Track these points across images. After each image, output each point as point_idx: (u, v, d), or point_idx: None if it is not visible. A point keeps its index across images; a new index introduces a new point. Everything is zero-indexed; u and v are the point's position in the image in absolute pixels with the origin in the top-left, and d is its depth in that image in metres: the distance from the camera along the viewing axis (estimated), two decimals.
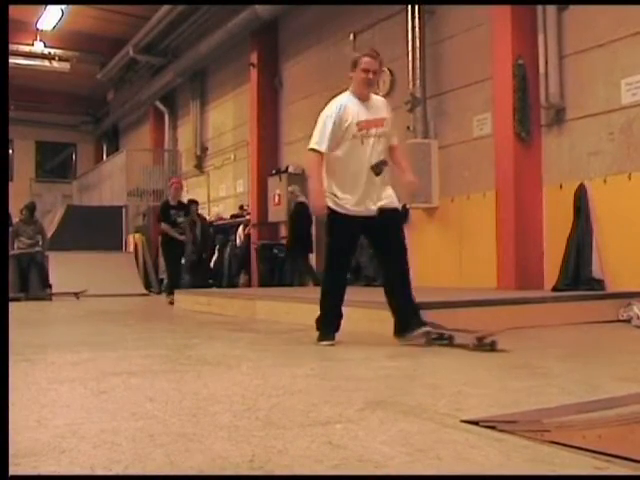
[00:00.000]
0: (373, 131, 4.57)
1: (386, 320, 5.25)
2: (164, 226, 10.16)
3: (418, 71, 9.22)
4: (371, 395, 2.79)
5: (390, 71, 10.11)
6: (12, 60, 15.61)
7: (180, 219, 10.20)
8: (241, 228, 13.40)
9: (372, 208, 4.58)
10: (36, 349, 4.51)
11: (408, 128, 9.47)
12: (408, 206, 9.50)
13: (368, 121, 4.58)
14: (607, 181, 7.09)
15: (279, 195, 12.24)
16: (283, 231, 12.63)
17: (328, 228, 4.72)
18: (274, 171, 12.58)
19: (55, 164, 24.43)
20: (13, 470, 1.75)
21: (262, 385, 3.11)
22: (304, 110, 12.27)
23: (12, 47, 15.52)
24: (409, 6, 9.35)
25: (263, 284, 11.80)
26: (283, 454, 1.92)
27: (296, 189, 11.51)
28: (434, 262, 9.22)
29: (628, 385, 3.03)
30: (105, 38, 17.41)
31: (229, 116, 15.23)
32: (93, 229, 15.13)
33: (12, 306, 7.36)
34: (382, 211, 4.60)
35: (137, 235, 16.25)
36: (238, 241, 13.35)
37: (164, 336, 5.63)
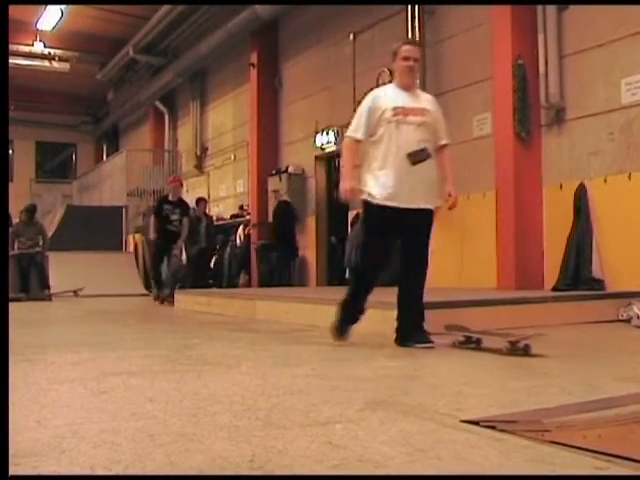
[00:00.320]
0: (411, 119, 4.42)
1: (386, 320, 5.26)
2: (152, 219, 10.29)
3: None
4: (371, 395, 2.79)
5: (390, 71, 10.11)
6: (12, 60, 15.62)
7: (174, 216, 10.04)
8: (241, 228, 13.40)
9: (408, 200, 4.39)
10: (36, 349, 4.51)
11: None
12: None
13: (406, 108, 4.43)
14: (607, 181, 7.09)
15: None
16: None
17: (363, 220, 4.67)
18: (274, 171, 12.58)
19: (55, 164, 24.43)
20: (13, 470, 1.75)
21: (262, 385, 3.11)
22: (304, 110, 12.28)
23: (12, 47, 15.53)
24: (409, 6, 9.35)
25: (263, 284, 11.81)
26: (283, 454, 1.91)
27: (281, 189, 11.65)
28: (434, 262, 9.13)
29: (628, 385, 3.03)
30: (105, 38, 17.42)
31: (229, 116, 15.23)
32: (93, 229, 15.13)
33: (12, 306, 7.36)
34: (417, 209, 4.44)
35: (137, 235, 16.25)
36: (238, 241, 13.35)
37: (164, 336, 5.63)
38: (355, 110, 11.52)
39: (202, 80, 16.30)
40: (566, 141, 7.56)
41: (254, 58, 13.23)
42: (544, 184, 7.74)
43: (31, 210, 11.92)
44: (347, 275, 10.50)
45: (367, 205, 4.52)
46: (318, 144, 11.68)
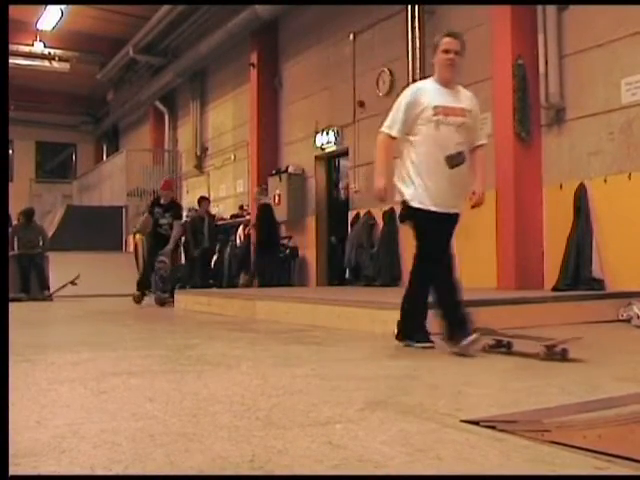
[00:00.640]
0: (452, 119, 4.23)
1: (386, 320, 5.26)
2: (143, 218, 10.31)
3: (418, 71, 9.22)
4: (371, 395, 2.79)
5: (390, 71, 10.12)
6: (12, 60, 15.62)
7: (163, 220, 9.85)
8: (241, 228, 13.40)
9: (443, 205, 4.25)
10: (36, 349, 4.51)
11: None
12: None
13: (447, 107, 4.24)
14: (607, 181, 7.09)
15: (279, 195, 12.25)
16: (283, 231, 12.63)
17: (414, 227, 4.41)
18: (274, 171, 12.58)
19: (55, 164, 24.44)
20: (13, 470, 1.75)
21: (262, 385, 3.11)
22: (304, 110, 12.28)
23: (12, 47, 15.53)
24: (409, 6, 9.36)
25: (263, 284, 11.81)
26: (283, 454, 1.92)
27: (261, 191, 11.70)
28: None
29: (628, 385, 3.03)
30: (105, 38, 17.42)
31: (229, 116, 15.23)
32: (93, 229, 15.13)
33: (12, 306, 7.36)
34: (449, 214, 4.32)
35: (137, 235, 16.24)
36: (238, 241, 13.35)
37: (164, 336, 5.63)
38: (355, 110, 11.55)
39: (202, 80, 16.30)
40: (566, 141, 7.56)
41: (254, 58, 13.23)
42: (544, 184, 7.74)
43: (29, 214, 11.90)
44: (347, 275, 10.52)
45: (415, 212, 4.32)
46: (318, 144, 11.69)
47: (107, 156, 21.62)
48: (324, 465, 1.81)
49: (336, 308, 6.01)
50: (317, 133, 11.66)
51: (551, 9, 7.59)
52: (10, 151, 20.92)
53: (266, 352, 4.44)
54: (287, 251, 12.03)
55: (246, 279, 12.97)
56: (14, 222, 11.78)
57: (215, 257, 12.99)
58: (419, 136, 4.23)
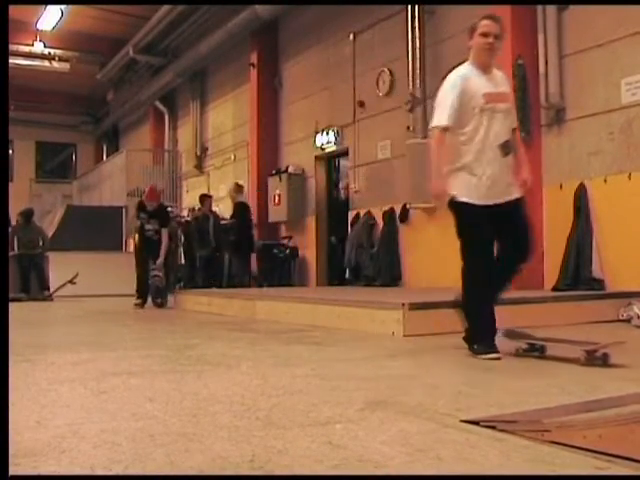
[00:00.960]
0: (500, 106, 4.04)
1: (386, 320, 5.26)
2: (135, 223, 9.90)
3: (418, 71, 9.23)
4: (371, 395, 2.79)
5: (390, 71, 10.12)
6: (12, 60, 15.62)
7: (148, 226, 9.35)
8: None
9: (502, 195, 4.03)
10: (36, 349, 4.51)
11: (408, 128, 9.48)
12: (408, 206, 9.52)
13: (495, 94, 4.03)
14: (607, 181, 7.09)
15: (279, 195, 12.25)
16: (283, 231, 12.64)
17: (458, 223, 4.11)
18: (274, 171, 12.58)
19: (55, 164, 24.44)
20: (13, 470, 1.75)
21: (262, 385, 3.11)
22: (304, 110, 12.28)
23: (12, 47, 15.52)
24: (409, 6, 9.36)
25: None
26: (283, 454, 1.91)
27: (236, 188, 11.71)
28: (434, 262, 9.22)
29: (628, 385, 3.03)
30: (105, 38, 17.42)
31: (229, 116, 15.24)
32: (93, 229, 15.11)
33: (13, 306, 7.36)
34: (508, 202, 4.08)
35: (137, 235, 16.23)
36: None
37: (164, 336, 5.63)
38: (355, 110, 11.52)
39: (202, 80, 16.30)
40: (566, 141, 7.56)
41: (254, 58, 13.23)
42: (544, 184, 7.74)
43: (28, 215, 11.89)
44: (347, 275, 10.53)
45: (461, 206, 4.04)
46: (318, 144, 11.69)
47: (107, 156, 21.61)
48: (324, 465, 1.81)
49: (336, 308, 6.01)
50: (317, 133, 11.67)
51: (551, 9, 7.59)
52: (10, 151, 20.92)
53: (266, 352, 4.44)
54: (287, 251, 12.03)
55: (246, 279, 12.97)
56: (14, 222, 11.77)
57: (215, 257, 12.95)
58: (470, 126, 3.99)
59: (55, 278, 11.75)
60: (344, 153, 11.32)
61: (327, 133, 11.44)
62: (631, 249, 6.80)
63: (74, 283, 11.45)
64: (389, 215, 9.97)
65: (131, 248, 15.85)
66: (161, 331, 6.19)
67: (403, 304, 5.16)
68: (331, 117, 11.43)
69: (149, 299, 9.29)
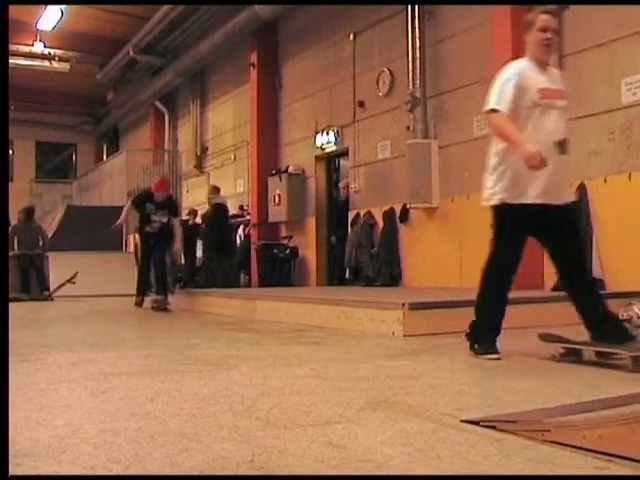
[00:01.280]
0: (556, 102, 3.90)
1: (386, 320, 5.26)
2: (124, 210, 9.35)
3: (418, 71, 9.23)
4: (371, 395, 2.79)
5: (390, 71, 10.12)
6: (12, 60, 15.62)
7: (155, 217, 8.79)
8: (241, 228, 13.40)
9: (557, 195, 3.87)
10: (36, 349, 4.51)
11: (408, 128, 9.48)
12: (408, 206, 9.52)
13: (551, 90, 3.89)
14: (607, 181, 7.09)
15: (279, 195, 12.25)
16: (283, 231, 12.64)
17: (496, 223, 4.07)
18: (274, 171, 12.58)
19: (55, 164, 24.44)
20: (13, 470, 1.75)
21: (262, 385, 3.11)
22: (304, 110, 12.28)
23: (12, 47, 15.53)
24: (409, 6, 9.35)
25: (263, 284, 11.82)
26: (283, 454, 1.91)
27: (213, 190, 11.66)
28: (434, 262, 9.22)
29: (628, 385, 3.03)
30: (105, 38, 17.42)
31: (229, 116, 15.24)
32: (93, 229, 15.10)
33: (13, 306, 7.35)
34: (563, 205, 3.92)
35: (137, 235, 16.23)
36: (238, 241, 13.34)
37: (164, 336, 5.63)
38: (355, 110, 11.53)
39: (202, 80, 16.30)
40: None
41: (254, 58, 13.23)
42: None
43: (29, 211, 11.89)
44: (347, 275, 10.53)
45: (504, 206, 3.95)
46: (318, 144, 11.69)
47: (107, 156, 21.62)
48: (324, 465, 1.81)
49: (336, 308, 6.00)
50: (317, 133, 11.67)
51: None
52: (10, 151, 20.93)
53: (266, 352, 4.43)
54: (287, 251, 12.03)
55: (246, 279, 12.98)
56: (14, 222, 11.77)
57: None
58: (524, 121, 3.84)
59: (55, 278, 11.75)
60: (344, 153, 11.32)
61: (327, 133, 11.44)
62: (631, 249, 6.80)
63: (73, 283, 11.44)
64: (389, 215, 9.97)
65: (131, 248, 15.89)
66: (161, 331, 6.19)
67: (403, 304, 5.16)
68: (331, 117, 11.44)
69: (147, 298, 8.99)
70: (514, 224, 3.96)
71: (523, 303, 6.01)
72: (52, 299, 11.30)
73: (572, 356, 3.87)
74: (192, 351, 4.47)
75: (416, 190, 9.10)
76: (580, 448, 1.91)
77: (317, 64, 11.94)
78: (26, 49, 17.23)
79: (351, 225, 10.71)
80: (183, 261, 12.88)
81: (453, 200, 8.96)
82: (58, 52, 17.80)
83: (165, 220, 8.86)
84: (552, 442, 1.98)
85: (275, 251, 12.04)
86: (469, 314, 5.50)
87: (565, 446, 1.94)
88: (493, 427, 2.17)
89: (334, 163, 12.07)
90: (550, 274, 7.57)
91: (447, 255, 9.04)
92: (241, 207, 14.14)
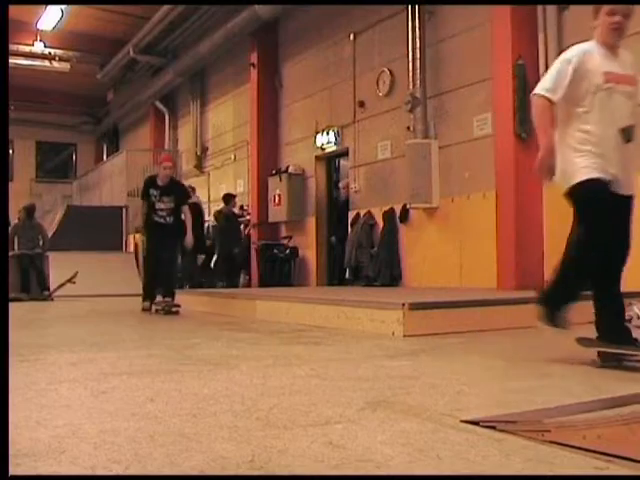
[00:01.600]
0: (622, 88, 3.68)
1: (386, 320, 5.26)
2: (143, 205, 8.07)
3: (418, 71, 9.23)
4: (371, 395, 2.79)
5: (390, 71, 10.12)
6: (12, 60, 15.63)
7: (160, 205, 7.79)
8: (241, 228, 13.40)
9: (621, 185, 3.64)
10: (36, 349, 4.51)
11: (408, 128, 9.48)
12: (408, 206, 9.52)
13: (617, 74, 3.69)
14: None
15: (279, 195, 12.26)
16: (284, 231, 12.64)
17: (583, 204, 3.66)
18: (274, 171, 12.59)
19: (55, 164, 24.45)
20: (13, 470, 1.75)
21: (262, 385, 3.11)
22: (304, 110, 12.29)
23: (12, 47, 15.54)
24: (409, 6, 9.36)
25: (263, 284, 11.82)
26: (283, 454, 1.92)
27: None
28: (434, 262, 9.22)
29: (628, 385, 3.03)
30: (105, 38, 17.42)
31: (229, 116, 15.24)
32: (93, 229, 15.13)
33: (13, 306, 7.36)
34: (627, 196, 3.72)
35: (137, 235, 16.24)
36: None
37: (164, 336, 5.63)
38: (355, 110, 11.53)
39: (202, 80, 16.31)
40: None
41: (254, 58, 13.24)
42: (544, 184, 7.73)
43: (29, 210, 11.90)
44: (347, 275, 10.53)
45: (587, 184, 3.60)
46: (318, 144, 11.69)
47: (107, 156, 21.63)
48: (324, 465, 1.82)
49: (336, 308, 6.01)
50: (317, 133, 11.67)
51: (551, 9, 7.59)
52: (10, 151, 20.93)
53: (266, 352, 4.43)
54: (287, 251, 12.04)
55: (246, 279, 12.98)
56: (14, 221, 11.78)
57: (215, 257, 12.97)
58: (587, 106, 3.65)
59: (55, 278, 11.76)
60: (344, 153, 11.32)
61: (327, 133, 11.45)
62: (631, 249, 6.78)
63: (73, 282, 11.45)
64: (389, 215, 9.97)
65: (131, 248, 15.90)
66: (161, 331, 6.19)
67: (403, 304, 5.16)
68: (331, 117, 11.44)
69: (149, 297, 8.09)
70: (604, 204, 3.65)
71: (523, 303, 6.00)
72: (52, 299, 11.31)
73: (613, 361, 3.73)
74: (192, 351, 4.47)
75: (416, 190, 9.11)
76: (580, 448, 1.91)
77: (317, 64, 11.95)
78: (26, 49, 17.23)
79: (351, 225, 10.71)
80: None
81: (453, 200, 8.97)
82: (58, 52, 17.81)
83: (172, 206, 7.84)
84: (552, 442, 1.98)
85: (275, 251, 12.05)
86: (469, 314, 5.53)
87: (565, 446, 1.94)
88: (493, 427, 2.17)
89: (334, 163, 12.08)
90: (550, 274, 7.58)
91: (447, 255, 9.04)
92: (241, 207, 14.15)
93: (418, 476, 1.75)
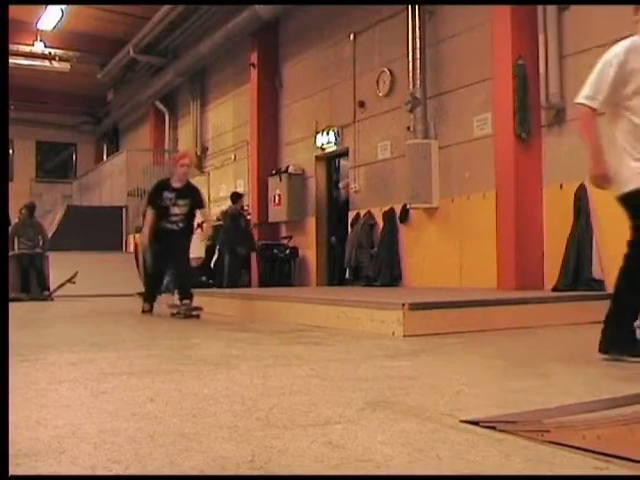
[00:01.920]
0: None
1: (386, 320, 5.27)
2: (148, 213, 7.37)
3: (418, 71, 9.23)
4: (371, 395, 2.79)
5: (390, 71, 10.12)
6: (12, 60, 15.64)
7: (176, 210, 7.21)
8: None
9: None
10: (36, 349, 4.51)
11: (408, 128, 9.48)
12: (408, 206, 9.52)
13: None
14: None
15: (279, 195, 12.26)
16: (284, 231, 12.64)
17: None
18: (274, 171, 12.59)
19: (55, 164, 24.44)
20: (13, 470, 1.75)
21: (262, 385, 3.11)
22: (304, 110, 12.29)
23: (12, 47, 15.54)
24: (409, 6, 9.36)
25: (263, 284, 11.82)
26: (283, 454, 1.92)
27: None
28: (434, 262, 9.22)
29: (628, 385, 3.03)
30: (105, 38, 17.42)
31: (229, 116, 15.24)
32: (93, 229, 15.13)
33: (13, 306, 7.36)
34: None
35: (137, 235, 16.24)
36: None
37: (164, 336, 5.63)
38: (355, 110, 11.52)
39: (202, 80, 16.31)
40: (566, 141, 7.56)
41: (254, 58, 13.24)
42: (544, 184, 7.74)
43: (31, 208, 11.92)
44: (347, 275, 10.53)
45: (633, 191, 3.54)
46: (318, 144, 11.70)
47: (107, 156, 21.62)
48: (324, 465, 1.82)
49: (336, 308, 6.01)
50: (317, 133, 11.67)
51: (551, 9, 7.59)
52: (10, 151, 20.93)
53: (266, 352, 4.43)
54: (287, 251, 12.04)
55: (246, 279, 12.96)
56: (14, 220, 11.79)
57: (215, 257, 12.97)
58: (635, 107, 3.50)
59: (55, 278, 11.76)
60: (344, 153, 11.33)
61: (327, 133, 11.45)
62: None
63: (73, 282, 11.45)
64: (389, 215, 9.97)
65: (131, 248, 15.90)
66: (161, 331, 6.19)
67: (403, 304, 5.17)
68: (331, 117, 11.44)
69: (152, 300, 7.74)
70: None
71: (523, 303, 6.01)
72: (52, 299, 11.31)
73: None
74: (192, 351, 4.47)
75: (416, 190, 9.11)
76: (579, 448, 1.91)
77: (317, 64, 11.95)
78: (26, 49, 17.22)
79: (351, 225, 10.71)
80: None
81: (453, 200, 8.97)
82: (58, 52, 17.80)
83: (186, 211, 7.28)
84: (551, 442, 1.98)
85: (275, 251, 12.05)
86: (469, 314, 5.54)
87: (564, 446, 1.94)
88: (493, 427, 2.17)
89: (334, 163, 12.08)
90: (550, 274, 7.60)
91: (447, 255, 9.04)
92: (241, 207, 14.14)
93: (418, 476, 1.75)
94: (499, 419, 2.24)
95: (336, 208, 11.78)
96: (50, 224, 15.52)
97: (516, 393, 2.85)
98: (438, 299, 5.94)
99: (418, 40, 9.24)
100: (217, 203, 15.36)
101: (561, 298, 6.43)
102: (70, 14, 15.62)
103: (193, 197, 7.36)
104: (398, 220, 9.85)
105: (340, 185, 11.72)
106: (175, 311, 7.33)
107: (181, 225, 7.27)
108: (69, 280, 11.51)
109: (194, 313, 7.15)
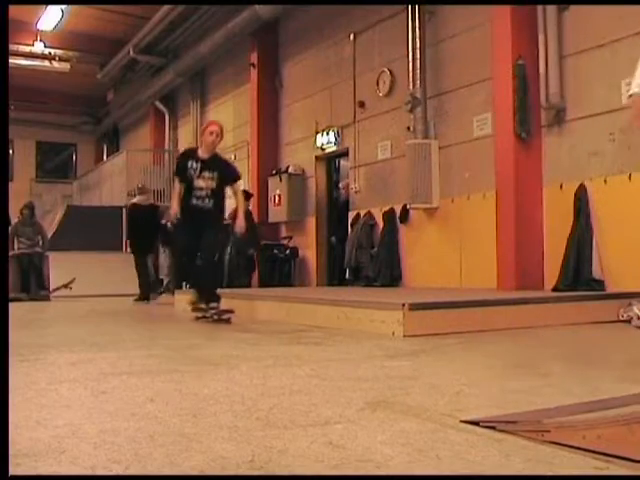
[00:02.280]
0: None
1: (386, 320, 5.27)
2: (175, 185, 6.51)
3: (418, 71, 9.23)
4: (371, 395, 2.79)
5: (390, 71, 10.12)
6: (12, 60, 15.63)
7: (201, 183, 6.27)
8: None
9: None
10: (36, 349, 4.51)
11: (408, 128, 9.48)
12: (408, 206, 9.52)
13: None
14: (607, 181, 7.09)
15: (279, 195, 12.25)
16: (284, 231, 12.64)
17: None
18: (274, 171, 12.59)
19: (55, 164, 24.44)
20: (13, 470, 1.75)
21: (262, 385, 3.11)
22: (304, 110, 12.28)
23: (12, 47, 15.53)
24: (409, 6, 9.36)
25: (263, 284, 11.81)
26: (283, 454, 1.92)
27: (138, 190, 11.66)
28: (434, 262, 9.22)
29: (628, 385, 3.03)
30: (105, 38, 17.42)
31: (229, 116, 15.23)
32: (93, 229, 15.13)
33: (12, 306, 7.36)
34: None
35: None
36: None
37: (164, 336, 5.63)
38: (355, 110, 11.52)
39: (202, 80, 16.31)
40: (566, 141, 7.56)
41: (254, 58, 13.24)
42: (544, 184, 7.74)
43: (31, 207, 11.93)
44: (347, 275, 10.53)
45: None
46: (318, 144, 11.69)
47: (107, 156, 21.62)
48: (324, 465, 1.82)
49: (336, 308, 6.01)
50: (317, 133, 11.67)
51: (551, 9, 7.59)
52: (10, 151, 20.93)
53: (266, 352, 4.44)
54: (287, 251, 12.04)
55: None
56: (14, 220, 11.79)
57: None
58: None
59: (55, 278, 11.77)
60: (344, 153, 11.32)
61: (327, 133, 11.45)
62: (631, 250, 6.80)
63: (70, 288, 11.47)
64: (389, 215, 9.97)
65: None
66: (161, 331, 6.19)
67: (403, 304, 5.17)
68: (331, 117, 11.44)
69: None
70: None
71: (523, 303, 6.01)
72: (49, 299, 11.31)
73: None
74: (192, 351, 4.47)
75: (416, 190, 9.11)
76: (579, 448, 1.91)
77: (317, 64, 11.95)
78: (26, 49, 17.22)
79: (351, 225, 10.71)
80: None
81: (453, 200, 8.97)
82: (58, 52, 17.80)
83: (214, 186, 6.33)
84: (551, 442, 1.98)
85: (275, 251, 12.03)
86: (469, 314, 5.53)
87: (564, 446, 1.94)
88: (493, 427, 2.17)
89: (334, 163, 12.07)
90: (550, 275, 7.60)
91: (447, 255, 9.04)
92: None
93: (418, 476, 1.75)
94: (499, 419, 2.24)
95: (336, 208, 11.78)
96: (50, 224, 15.53)
97: (516, 393, 2.85)
98: (438, 299, 5.94)
99: (418, 40, 9.24)
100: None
101: (561, 298, 6.43)
102: (70, 14, 15.61)
103: (221, 170, 6.35)
104: (398, 220, 9.85)
105: (340, 185, 11.72)
106: (201, 315, 6.53)
107: (207, 202, 6.29)
108: (66, 285, 11.53)
109: (224, 317, 6.31)
